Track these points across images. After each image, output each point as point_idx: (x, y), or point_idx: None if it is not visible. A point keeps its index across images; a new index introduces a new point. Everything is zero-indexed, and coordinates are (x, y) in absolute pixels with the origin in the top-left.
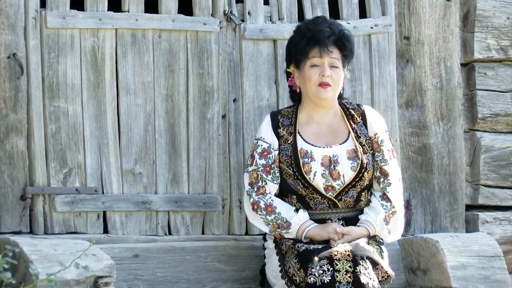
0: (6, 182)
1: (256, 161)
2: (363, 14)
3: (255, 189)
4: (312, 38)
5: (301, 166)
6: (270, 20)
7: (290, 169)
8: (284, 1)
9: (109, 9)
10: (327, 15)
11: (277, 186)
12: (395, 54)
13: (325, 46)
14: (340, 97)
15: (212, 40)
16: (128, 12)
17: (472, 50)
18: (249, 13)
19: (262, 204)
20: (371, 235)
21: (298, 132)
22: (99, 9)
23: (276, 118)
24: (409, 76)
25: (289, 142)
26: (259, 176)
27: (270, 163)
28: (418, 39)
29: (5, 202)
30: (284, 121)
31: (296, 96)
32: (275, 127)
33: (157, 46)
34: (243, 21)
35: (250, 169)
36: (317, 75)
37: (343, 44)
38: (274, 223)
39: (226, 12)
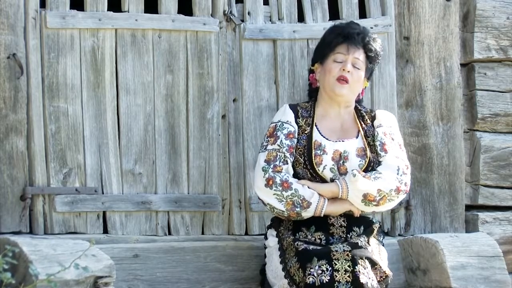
0: (6, 182)
1: (282, 140)
2: (363, 14)
3: (272, 166)
4: (341, 33)
5: (313, 157)
6: (270, 20)
7: (301, 158)
8: (284, 1)
9: (109, 9)
10: (327, 15)
11: (291, 170)
12: (394, 54)
13: (353, 43)
14: (359, 101)
15: (212, 40)
16: (128, 12)
17: (472, 50)
18: (248, 13)
19: (278, 180)
20: (339, 187)
21: (316, 125)
22: (99, 9)
23: (295, 109)
24: (409, 76)
25: (306, 132)
26: (278, 156)
27: (294, 146)
28: (417, 39)
29: (5, 202)
30: (303, 112)
31: (313, 93)
32: (296, 116)
33: (157, 46)
34: (242, 21)
35: (270, 147)
36: (337, 69)
37: (370, 45)
38: (290, 200)
39: (226, 12)
